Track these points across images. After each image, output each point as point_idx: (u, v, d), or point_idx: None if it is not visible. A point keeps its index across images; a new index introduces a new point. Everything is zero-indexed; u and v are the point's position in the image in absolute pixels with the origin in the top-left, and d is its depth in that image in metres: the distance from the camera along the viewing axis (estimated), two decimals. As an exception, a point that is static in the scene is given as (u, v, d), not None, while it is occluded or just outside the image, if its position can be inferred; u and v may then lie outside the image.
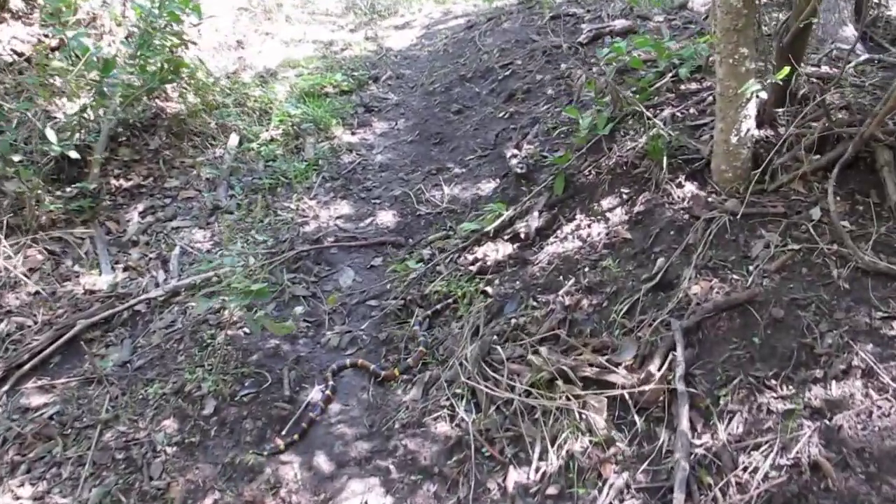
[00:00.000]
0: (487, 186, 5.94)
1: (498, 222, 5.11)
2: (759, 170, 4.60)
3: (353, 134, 7.60)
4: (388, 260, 5.55)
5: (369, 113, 8.06)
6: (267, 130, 7.54)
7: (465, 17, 10.49)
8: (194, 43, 7.19)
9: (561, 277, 4.57)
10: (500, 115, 7.00)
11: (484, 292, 4.68)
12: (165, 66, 6.88)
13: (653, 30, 7.50)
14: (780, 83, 4.56)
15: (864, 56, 6.26)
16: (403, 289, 5.09)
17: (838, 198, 4.22)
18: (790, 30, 4.68)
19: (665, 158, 4.77)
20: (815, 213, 4.26)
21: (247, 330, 4.51)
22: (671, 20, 7.76)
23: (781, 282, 3.88)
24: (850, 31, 6.81)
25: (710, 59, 5.83)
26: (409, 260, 5.31)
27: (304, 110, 7.72)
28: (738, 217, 4.33)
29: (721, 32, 4.33)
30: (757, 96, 4.42)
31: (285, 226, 6.02)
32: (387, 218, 6.03)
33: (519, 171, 5.61)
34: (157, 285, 5.52)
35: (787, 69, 4.40)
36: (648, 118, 5.08)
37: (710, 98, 5.46)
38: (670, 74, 5.88)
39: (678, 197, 4.66)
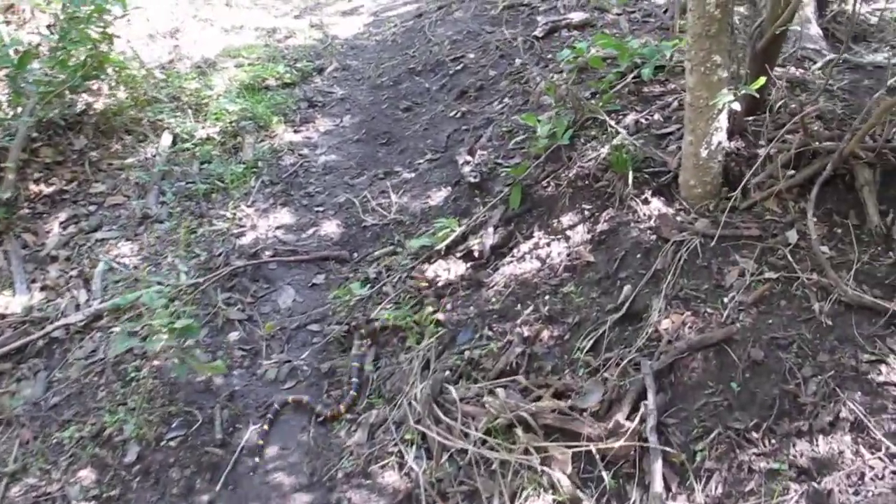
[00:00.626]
0: (438, 195, 5.50)
1: (450, 239, 4.67)
2: (731, 186, 4.27)
3: (295, 132, 7.07)
4: (332, 277, 5.08)
5: (313, 108, 7.53)
6: (203, 128, 6.97)
7: (415, 4, 9.96)
8: (117, 36, 6.56)
9: (518, 304, 4.17)
10: (452, 114, 6.54)
11: (436, 320, 4.24)
12: (89, 61, 6.27)
13: (611, 23, 7.09)
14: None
15: (829, 56, 5.96)
16: (347, 312, 4.63)
17: (816, 220, 3.87)
18: (763, 34, 4.32)
19: (630, 172, 4.37)
20: (792, 235, 3.93)
21: (175, 360, 4.01)
22: (630, 13, 7.37)
23: (759, 317, 3.54)
24: (814, 28, 6.50)
25: (674, 59, 5.45)
26: (352, 282, 4.84)
27: (244, 106, 7.17)
28: (710, 239, 3.96)
29: (692, 38, 3.94)
30: (730, 107, 4.05)
31: (220, 237, 5.50)
32: (330, 229, 5.55)
33: (472, 180, 5.18)
34: (77, 308, 4.98)
35: (762, 79, 4.04)
36: (611, 126, 4.68)
37: (676, 103, 5.09)
38: (632, 75, 5.48)
39: (644, 215, 4.28)
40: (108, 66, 6.64)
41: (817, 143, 4.13)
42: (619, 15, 7.29)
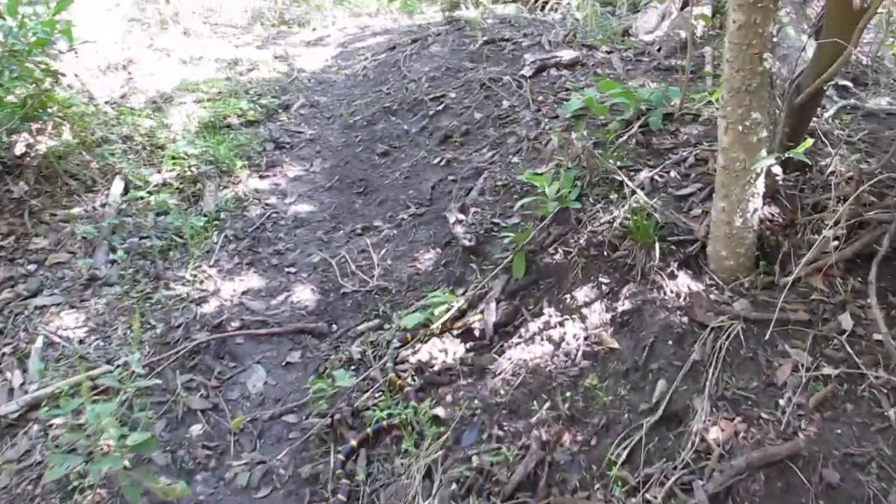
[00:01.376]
0: (427, 258, 4.88)
1: (447, 317, 4.06)
2: (766, 258, 3.77)
3: (261, 177, 6.41)
4: (309, 355, 4.42)
5: (280, 150, 6.88)
6: (159, 172, 6.27)
7: (385, 36, 9.40)
8: (63, 74, 5.85)
9: (532, 398, 3.57)
10: (436, 160, 5.95)
11: (434, 417, 3.62)
12: (29, 100, 5.55)
13: (602, 62, 6.60)
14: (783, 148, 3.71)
15: (841, 102, 5.52)
16: (329, 402, 3.97)
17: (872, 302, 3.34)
18: (801, 88, 3.81)
19: (655, 242, 3.82)
20: (846, 321, 3.41)
21: (127, 483, 3.31)
22: (621, 51, 6.88)
23: (824, 425, 2.99)
24: None
25: (684, 106, 4.94)
26: (333, 363, 4.19)
27: (204, 148, 6.48)
28: (753, 324, 3.42)
29: (729, 93, 3.42)
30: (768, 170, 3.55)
31: (179, 304, 4.81)
32: (304, 295, 4.90)
33: (467, 243, 4.59)
34: (10, 393, 4.24)
35: (808, 141, 3.54)
36: (627, 186, 4.13)
37: (692, 158, 4.57)
38: (638, 124, 4.96)
39: (671, 292, 3.72)
40: (51, 105, 5.92)
41: (872, 212, 3.61)
42: (609, 53, 6.80)
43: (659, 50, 6.80)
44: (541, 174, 4.28)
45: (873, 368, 3.19)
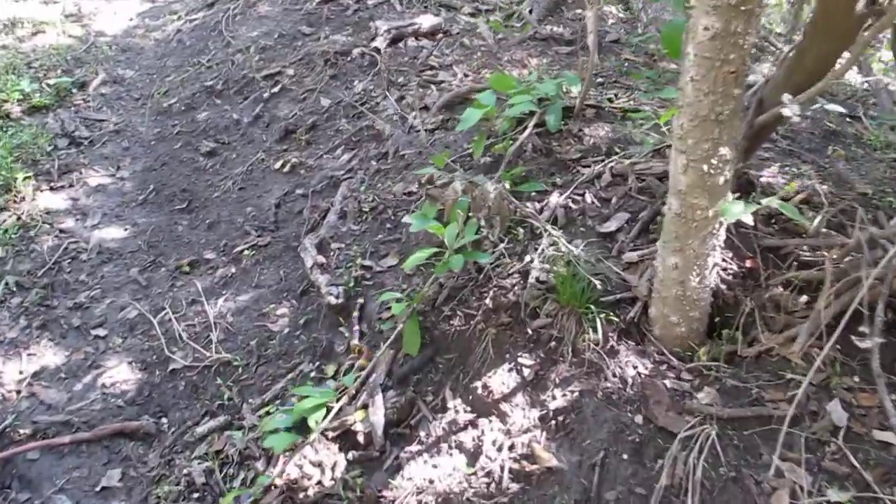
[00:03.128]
0: (280, 313, 3.72)
1: (325, 421, 2.95)
2: (721, 317, 2.94)
3: (52, 190, 4.90)
4: (132, 474, 3.19)
5: (76, 149, 5.35)
6: None
7: (200, -12, 7.78)
8: None
9: (449, 548, 2.56)
10: (277, 165, 4.70)
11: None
12: None
13: (468, 29, 5.49)
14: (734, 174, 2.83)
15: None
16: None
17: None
18: (763, 103, 2.93)
19: (586, 308, 2.88)
20: (837, 413, 2.64)
21: None
22: (485, 13, 5.80)
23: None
24: None
25: (584, 98, 3.98)
26: (169, 501, 2.99)
27: (-33, 154, 4.88)
28: (727, 425, 2.58)
29: (691, 121, 2.48)
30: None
31: (-65, 405, 3.40)
32: (121, 373, 3.62)
33: (333, 300, 3.44)
34: None
35: (793, 184, 2.66)
36: (545, 231, 3.13)
37: (607, 174, 3.63)
38: (532, 123, 3.95)
39: (615, 376, 2.81)
40: None
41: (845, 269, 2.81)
42: (473, 17, 5.69)
43: (530, 12, 5.78)
44: (431, 216, 3.16)
45: (886, 487, 2.41)
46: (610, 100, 4.38)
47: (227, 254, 4.20)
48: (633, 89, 4.62)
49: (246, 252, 4.13)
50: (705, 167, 2.52)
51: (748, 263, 3.10)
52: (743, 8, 2.23)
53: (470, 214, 3.06)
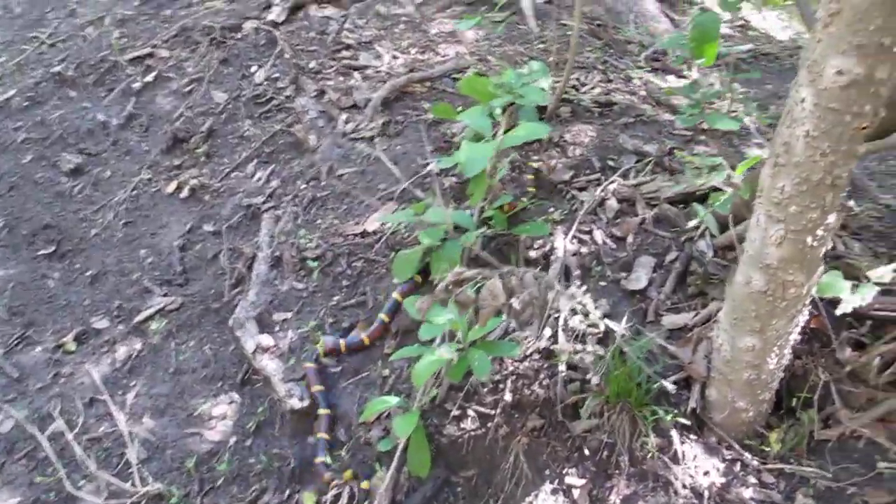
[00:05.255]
0: (217, 415, 2.80)
1: None
2: (790, 394, 2.41)
3: None
4: None
5: None
6: None
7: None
8: None
9: None
10: (171, 188, 3.65)
11: None
12: None
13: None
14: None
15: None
16: None
17: None
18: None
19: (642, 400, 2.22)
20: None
21: None
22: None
23: None
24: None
25: (561, 93, 3.23)
26: None
27: None
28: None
29: (797, 184, 1.80)
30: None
31: None
32: (2, 522, 2.62)
33: (297, 404, 2.58)
34: None
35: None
36: (572, 298, 2.38)
37: (612, 201, 2.92)
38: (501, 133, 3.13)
39: (685, 486, 2.18)
40: None
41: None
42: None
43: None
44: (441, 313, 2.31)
45: None
46: (576, 88, 3.63)
47: (126, 321, 3.17)
48: (593, 69, 3.88)
49: (152, 320, 3.13)
50: (809, 239, 1.87)
51: (812, 323, 2.51)
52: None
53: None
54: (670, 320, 2.56)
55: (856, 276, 2.64)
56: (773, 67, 4.41)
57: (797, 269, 1.94)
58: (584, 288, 2.48)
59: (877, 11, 1.46)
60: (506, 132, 2.76)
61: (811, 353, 2.50)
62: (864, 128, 1.67)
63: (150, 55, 4.35)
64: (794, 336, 2.15)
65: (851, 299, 2.05)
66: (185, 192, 3.58)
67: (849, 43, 1.53)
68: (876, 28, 1.48)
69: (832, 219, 1.85)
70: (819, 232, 1.86)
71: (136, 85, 4.22)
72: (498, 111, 3.00)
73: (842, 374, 2.43)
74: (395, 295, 2.73)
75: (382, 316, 2.71)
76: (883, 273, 2.13)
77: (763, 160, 1.91)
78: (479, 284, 2.15)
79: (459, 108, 3.29)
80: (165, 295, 3.21)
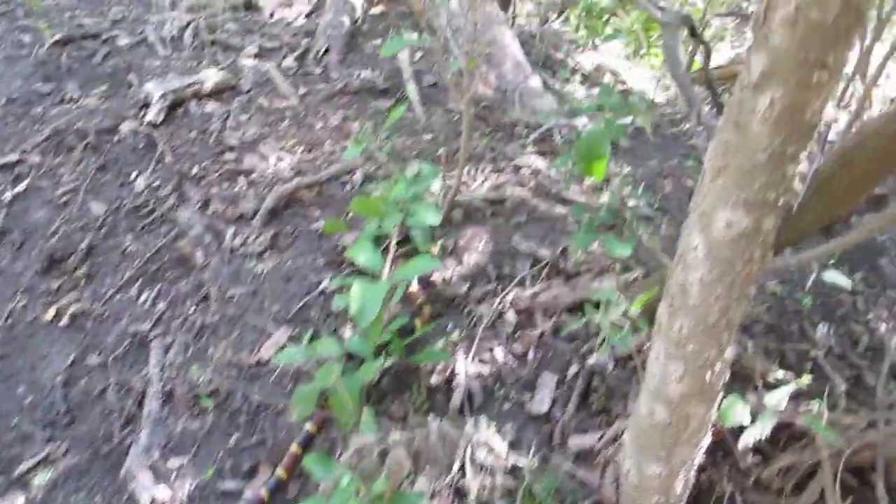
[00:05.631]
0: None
1: None
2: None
3: None
4: None
5: None
6: None
7: None
8: None
9: None
10: (50, 315, 3.43)
11: None
12: None
13: (261, 83, 4.43)
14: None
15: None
16: None
17: None
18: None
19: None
20: None
21: None
22: (270, 49, 4.75)
23: None
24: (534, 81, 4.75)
25: (454, 197, 3.24)
26: None
27: None
28: None
29: (695, 325, 1.88)
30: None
31: None
32: None
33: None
34: None
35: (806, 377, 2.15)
36: (476, 436, 2.35)
37: (510, 314, 2.93)
38: (395, 240, 3.11)
39: None
40: None
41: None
42: (258, 57, 4.64)
43: (326, 52, 4.78)
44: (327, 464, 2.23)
45: None
46: (466, 184, 3.63)
47: (6, 472, 2.95)
48: (482, 159, 3.90)
49: (35, 471, 2.92)
50: (708, 375, 1.93)
51: (713, 436, 2.56)
52: (780, 203, 1.61)
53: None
54: (577, 442, 2.57)
55: (751, 379, 2.74)
56: (654, 139, 4.53)
57: (698, 402, 1.99)
58: (488, 421, 2.47)
59: (760, 171, 1.48)
60: (397, 249, 2.73)
61: (714, 464, 2.56)
62: (752, 272, 1.72)
63: (20, 161, 4.11)
64: (699, 460, 2.20)
65: (752, 431, 2.11)
66: (65, 320, 3.37)
67: (736, 196, 1.56)
68: (760, 185, 1.50)
69: (729, 353, 1.91)
70: (717, 367, 1.91)
71: (6, 196, 3.97)
72: (390, 228, 2.96)
73: (746, 484, 2.50)
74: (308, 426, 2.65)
75: (294, 448, 2.61)
76: (778, 400, 2.20)
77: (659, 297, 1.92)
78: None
79: (350, 216, 3.24)
80: (49, 440, 3.00)
